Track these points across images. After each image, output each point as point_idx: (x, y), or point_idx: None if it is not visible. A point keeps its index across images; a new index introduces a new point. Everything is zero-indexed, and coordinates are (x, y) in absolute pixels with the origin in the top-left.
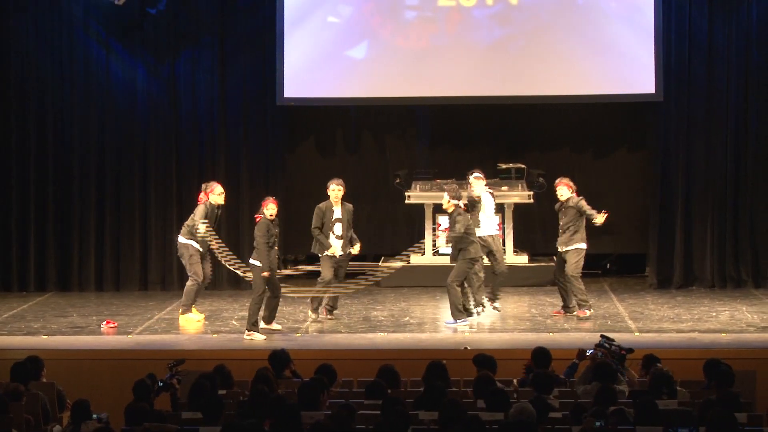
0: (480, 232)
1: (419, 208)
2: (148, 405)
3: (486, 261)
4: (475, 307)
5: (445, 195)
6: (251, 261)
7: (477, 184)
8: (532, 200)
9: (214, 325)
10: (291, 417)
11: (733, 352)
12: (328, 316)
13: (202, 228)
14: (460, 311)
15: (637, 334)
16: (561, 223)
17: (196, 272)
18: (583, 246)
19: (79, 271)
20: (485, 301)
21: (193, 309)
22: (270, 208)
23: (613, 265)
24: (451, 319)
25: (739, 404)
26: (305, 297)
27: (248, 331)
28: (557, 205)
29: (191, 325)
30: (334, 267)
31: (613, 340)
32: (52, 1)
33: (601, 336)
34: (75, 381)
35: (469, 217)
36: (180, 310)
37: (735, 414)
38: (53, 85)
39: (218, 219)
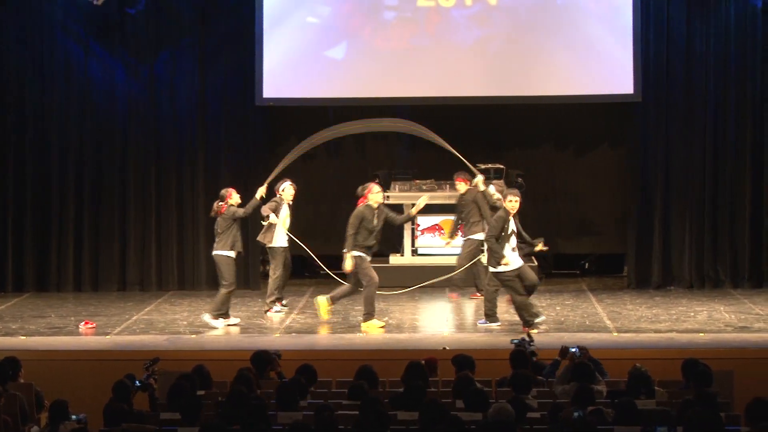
0: (277, 243)
1: (398, 209)
2: (128, 405)
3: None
4: (283, 304)
5: (491, 187)
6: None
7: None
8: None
9: (193, 325)
10: (258, 417)
11: (711, 352)
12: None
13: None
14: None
15: (616, 334)
16: (462, 216)
17: (371, 277)
18: (480, 237)
19: (57, 272)
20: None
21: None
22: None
23: (592, 265)
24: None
25: (716, 404)
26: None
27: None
28: (457, 199)
29: (374, 331)
30: None
31: (532, 342)
32: (31, 1)
33: (528, 335)
34: (53, 382)
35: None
36: (362, 318)
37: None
38: (32, 85)
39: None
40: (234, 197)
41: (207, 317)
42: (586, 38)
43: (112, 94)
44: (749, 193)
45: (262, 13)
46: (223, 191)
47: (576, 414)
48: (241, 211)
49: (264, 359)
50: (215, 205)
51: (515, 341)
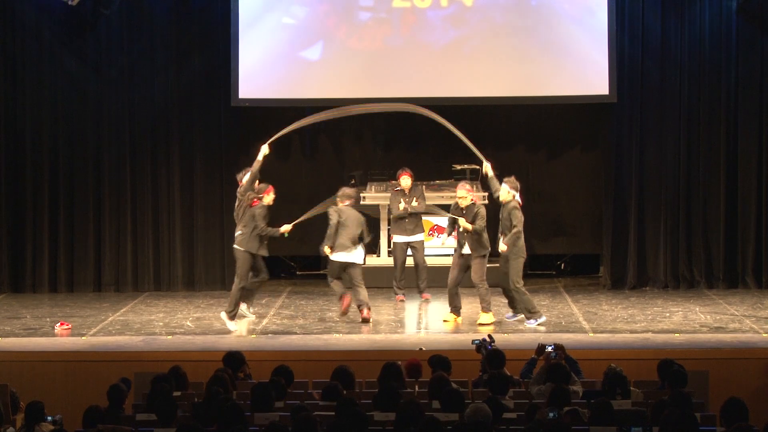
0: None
1: (374, 209)
2: (121, 410)
3: None
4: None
5: (504, 185)
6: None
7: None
8: (486, 201)
9: (168, 326)
10: (235, 418)
11: (686, 352)
12: None
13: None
14: (534, 311)
15: (591, 334)
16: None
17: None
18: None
19: (32, 273)
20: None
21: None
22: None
23: (567, 266)
24: (532, 320)
25: (691, 404)
26: None
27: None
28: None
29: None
30: None
31: (493, 342)
32: (3, 1)
33: (489, 335)
34: (28, 383)
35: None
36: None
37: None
38: (5, 86)
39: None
40: (269, 197)
41: (224, 315)
42: (561, 39)
43: (86, 95)
44: (723, 194)
45: (237, 14)
46: (262, 185)
47: (551, 414)
48: (261, 226)
49: (237, 359)
50: (254, 192)
51: (476, 342)
